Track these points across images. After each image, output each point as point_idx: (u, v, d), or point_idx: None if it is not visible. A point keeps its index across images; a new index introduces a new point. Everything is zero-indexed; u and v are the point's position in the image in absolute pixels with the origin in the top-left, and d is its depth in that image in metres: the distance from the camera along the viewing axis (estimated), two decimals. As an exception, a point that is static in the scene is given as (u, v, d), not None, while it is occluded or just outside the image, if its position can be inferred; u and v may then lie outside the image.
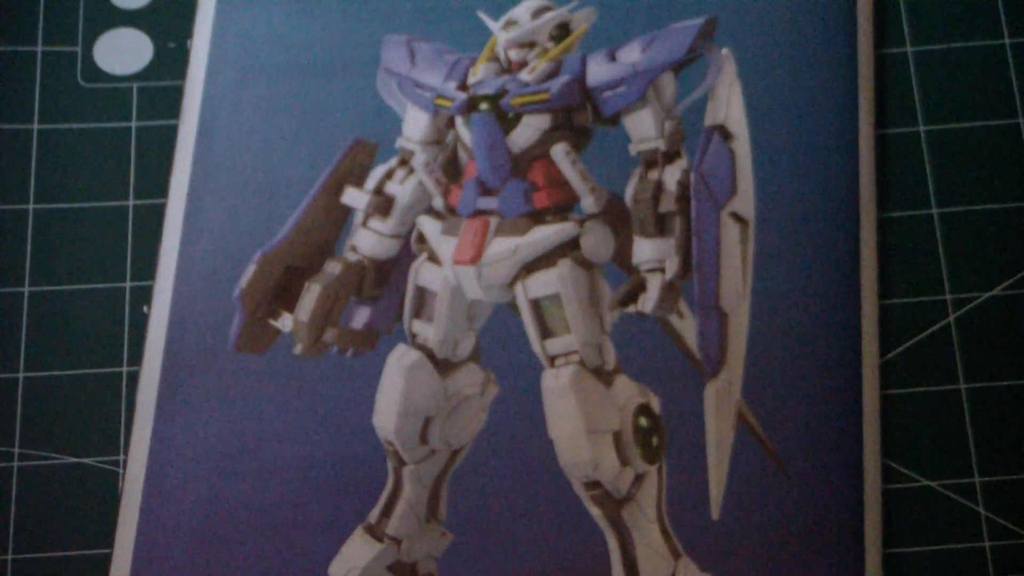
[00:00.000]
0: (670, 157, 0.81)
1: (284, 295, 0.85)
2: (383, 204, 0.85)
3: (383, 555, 0.85)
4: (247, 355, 0.87)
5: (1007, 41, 0.98)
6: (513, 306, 0.83)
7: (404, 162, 0.85)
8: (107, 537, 0.88)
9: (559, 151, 0.81)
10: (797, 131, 0.93)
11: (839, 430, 0.87)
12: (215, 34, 0.99)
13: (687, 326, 0.83)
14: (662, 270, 0.79)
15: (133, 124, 0.99)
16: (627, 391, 0.81)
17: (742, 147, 0.80)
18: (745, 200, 0.80)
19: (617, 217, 0.82)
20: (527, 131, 0.82)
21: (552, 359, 0.81)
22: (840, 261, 0.91)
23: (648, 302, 0.79)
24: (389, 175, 0.86)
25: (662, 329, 0.84)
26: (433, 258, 0.84)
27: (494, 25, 0.84)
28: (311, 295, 0.84)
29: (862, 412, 0.88)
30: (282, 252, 0.85)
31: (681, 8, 0.95)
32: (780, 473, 0.86)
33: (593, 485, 0.80)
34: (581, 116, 0.82)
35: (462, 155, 0.85)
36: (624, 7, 0.97)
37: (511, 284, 0.82)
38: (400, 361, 0.84)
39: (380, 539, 0.85)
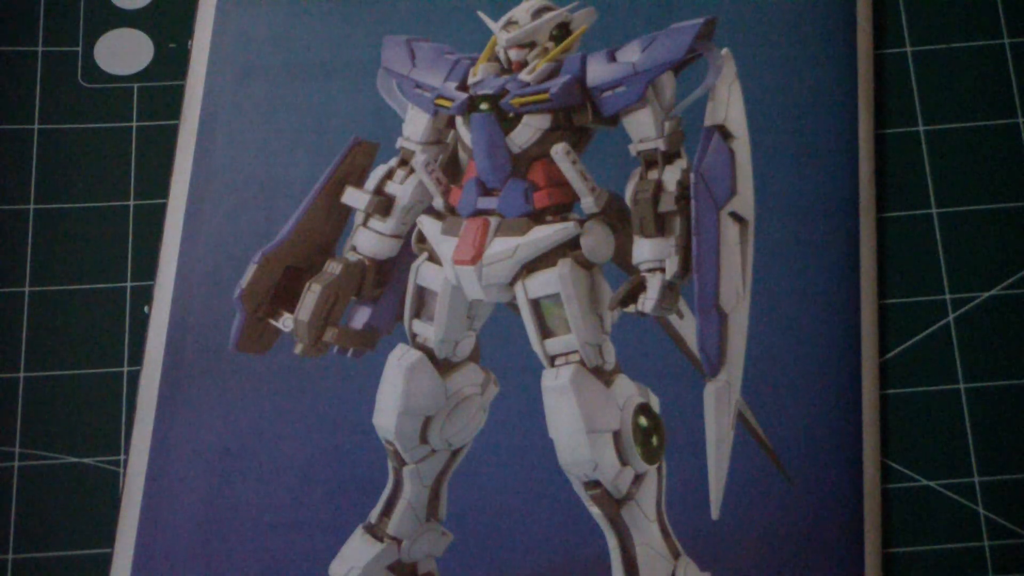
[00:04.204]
0: (670, 157, 0.81)
1: (285, 295, 0.85)
2: (383, 204, 0.85)
3: (383, 555, 0.85)
4: (248, 355, 0.87)
5: (1006, 41, 0.98)
6: (513, 306, 0.82)
7: (404, 162, 0.85)
8: (108, 537, 0.88)
9: (559, 151, 0.81)
10: (797, 131, 0.94)
11: (838, 430, 0.87)
12: (215, 34, 0.99)
13: (687, 326, 0.83)
14: (662, 270, 0.79)
15: (134, 124, 0.99)
16: (627, 391, 0.81)
17: (742, 147, 0.80)
18: (745, 200, 0.80)
19: (617, 217, 0.81)
20: (527, 131, 0.81)
21: (552, 359, 0.81)
22: (839, 261, 0.91)
23: (648, 302, 0.79)
24: (389, 175, 0.86)
25: (662, 329, 0.85)
26: (433, 258, 0.84)
27: (494, 25, 0.84)
28: (312, 295, 0.84)
29: (861, 412, 0.88)
30: (283, 252, 0.85)
31: (681, 8, 0.95)
32: (780, 473, 0.86)
33: (593, 485, 0.80)
34: (581, 116, 0.82)
35: (462, 155, 0.85)
36: (624, 7, 0.97)
37: (511, 284, 0.82)
38: (400, 361, 0.84)
39: (380, 539, 0.85)
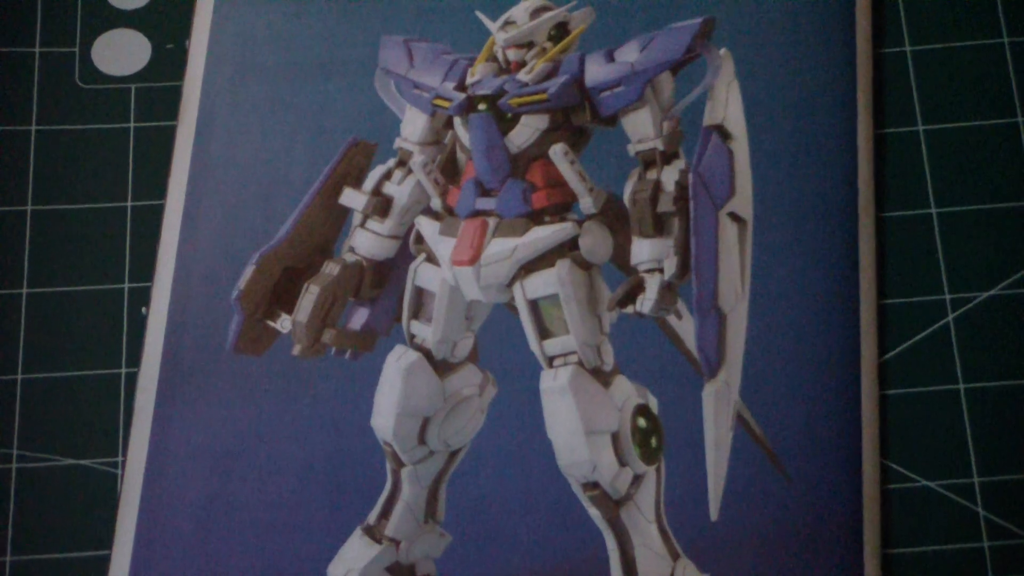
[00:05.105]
0: (668, 157, 0.80)
1: (282, 296, 0.85)
2: (381, 205, 0.85)
3: (382, 556, 0.85)
4: (245, 356, 0.86)
5: (1005, 40, 0.98)
6: (512, 307, 0.82)
7: (402, 163, 0.85)
8: (106, 538, 0.88)
9: (557, 151, 0.81)
10: (796, 131, 0.94)
11: (838, 430, 0.88)
12: (213, 34, 1.00)
13: (685, 327, 0.83)
14: (660, 270, 0.79)
15: (131, 125, 0.99)
16: (626, 392, 0.81)
17: (741, 147, 0.80)
18: (744, 200, 0.80)
19: (615, 217, 0.81)
20: (525, 131, 0.81)
21: (551, 360, 0.81)
22: (839, 261, 0.91)
23: (646, 303, 0.79)
24: (387, 176, 0.85)
25: (660, 330, 0.85)
26: (431, 259, 0.84)
27: (492, 25, 0.84)
28: (309, 296, 0.84)
29: (861, 412, 0.88)
30: (280, 253, 0.85)
31: (679, 8, 0.95)
32: (779, 474, 0.86)
33: (591, 486, 0.80)
34: (579, 116, 0.82)
35: (460, 156, 0.84)
36: (622, 7, 0.97)
37: (509, 285, 0.82)
38: (398, 362, 0.83)
39: (379, 540, 0.85)
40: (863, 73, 0.96)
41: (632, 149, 0.81)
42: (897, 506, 0.88)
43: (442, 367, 0.84)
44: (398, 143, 0.86)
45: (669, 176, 0.80)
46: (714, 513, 0.80)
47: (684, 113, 0.81)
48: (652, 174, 0.80)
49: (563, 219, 0.81)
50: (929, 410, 0.90)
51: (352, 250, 0.85)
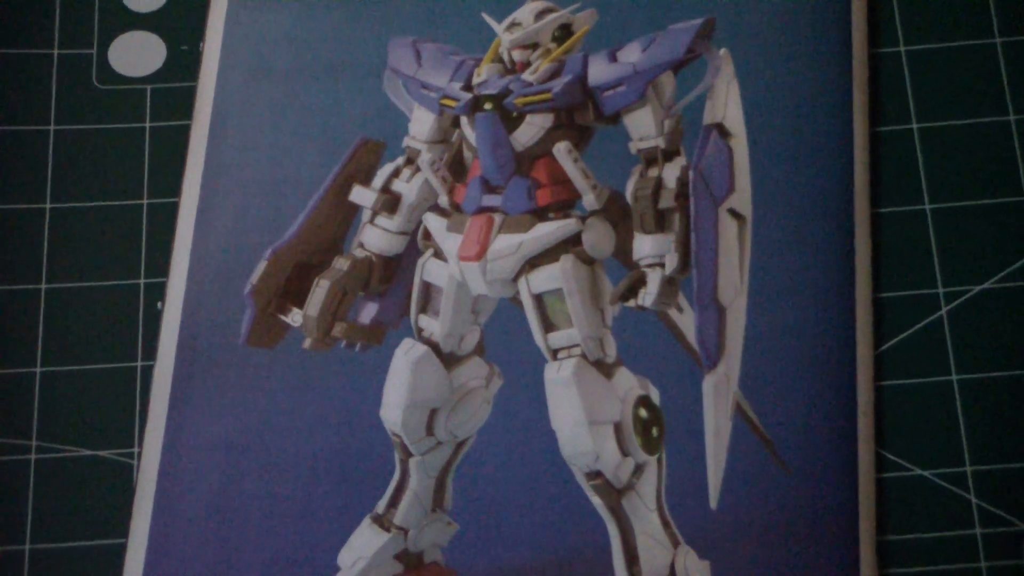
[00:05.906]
0: (669, 155, 0.81)
1: (294, 291, 0.86)
2: (390, 202, 0.85)
3: (390, 544, 0.85)
4: (258, 350, 0.87)
5: (998, 40, 0.99)
6: (517, 301, 0.83)
7: (410, 161, 0.86)
8: (122, 528, 0.89)
9: (561, 149, 0.81)
10: (793, 129, 0.94)
11: (834, 421, 0.88)
12: (226, 36, 1.00)
13: (686, 320, 0.83)
14: (662, 265, 0.79)
15: (147, 125, 1.00)
16: (627, 383, 0.81)
17: (740, 145, 0.80)
18: (743, 197, 0.80)
19: (618, 214, 0.82)
20: (530, 130, 0.82)
21: (555, 352, 0.82)
22: (835, 256, 0.91)
23: (648, 297, 0.79)
24: (396, 173, 0.86)
25: (662, 323, 0.85)
26: (439, 254, 0.84)
27: (498, 27, 0.84)
28: (320, 291, 0.84)
29: (856, 403, 0.89)
30: (292, 249, 0.86)
31: (680, 9, 0.95)
32: (776, 463, 0.87)
33: (594, 475, 0.81)
34: (583, 115, 0.82)
35: (467, 154, 0.85)
36: (624, 8, 0.97)
37: (515, 279, 0.82)
38: (407, 355, 0.84)
39: (387, 529, 0.85)
40: (859, 73, 0.96)
41: (634, 147, 0.81)
42: (892, 494, 0.88)
43: (449, 360, 0.85)
44: (406, 142, 0.86)
45: (670, 173, 0.80)
46: (714, 502, 0.80)
47: (684, 111, 0.81)
48: (654, 171, 0.80)
49: (567, 215, 0.82)
50: (923, 401, 0.90)
51: (361, 246, 0.86)
